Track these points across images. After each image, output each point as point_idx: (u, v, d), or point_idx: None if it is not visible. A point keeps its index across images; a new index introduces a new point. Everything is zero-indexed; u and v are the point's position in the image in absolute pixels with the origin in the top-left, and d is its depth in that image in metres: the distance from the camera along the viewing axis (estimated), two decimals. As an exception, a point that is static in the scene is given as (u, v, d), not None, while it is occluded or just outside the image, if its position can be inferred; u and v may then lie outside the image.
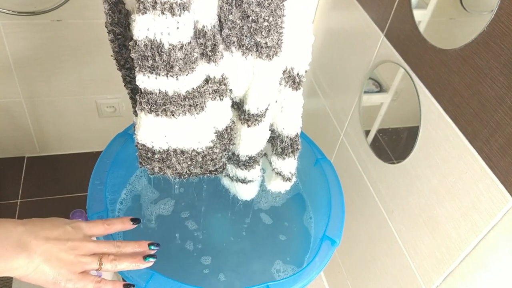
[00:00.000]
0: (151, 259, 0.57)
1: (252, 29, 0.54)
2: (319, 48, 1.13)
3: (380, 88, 0.88)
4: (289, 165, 0.73)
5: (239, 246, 0.90)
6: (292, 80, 0.63)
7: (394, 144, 0.84)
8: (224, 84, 0.59)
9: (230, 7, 0.52)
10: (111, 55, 0.60)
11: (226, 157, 0.71)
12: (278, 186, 0.78)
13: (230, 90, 0.62)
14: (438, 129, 0.70)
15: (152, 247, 0.58)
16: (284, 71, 0.62)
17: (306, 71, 0.63)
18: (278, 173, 0.75)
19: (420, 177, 0.75)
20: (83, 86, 1.26)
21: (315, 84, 1.16)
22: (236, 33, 0.55)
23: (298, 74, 0.62)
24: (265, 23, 0.53)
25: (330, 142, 1.08)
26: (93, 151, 1.48)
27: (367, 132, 0.91)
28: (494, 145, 0.60)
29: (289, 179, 0.75)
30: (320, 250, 0.72)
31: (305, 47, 0.60)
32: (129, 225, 0.60)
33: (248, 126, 0.64)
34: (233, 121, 0.66)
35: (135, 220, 0.61)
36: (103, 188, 0.76)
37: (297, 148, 0.71)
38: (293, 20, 0.56)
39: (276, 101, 0.66)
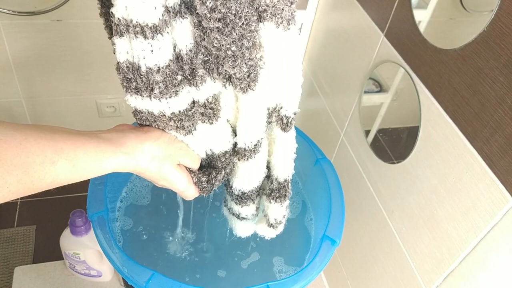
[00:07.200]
0: None
1: (219, 57, 0.51)
2: (319, 48, 1.13)
3: (380, 88, 0.88)
4: (274, 211, 0.66)
5: (240, 246, 0.90)
6: (281, 120, 0.58)
7: (394, 144, 0.84)
8: (211, 109, 0.56)
9: (200, 33, 0.49)
10: (116, 69, 0.59)
11: (220, 181, 0.66)
12: (263, 230, 0.70)
13: (219, 117, 0.58)
14: (438, 129, 0.70)
15: None
16: (272, 109, 0.58)
17: (295, 113, 0.58)
18: (265, 215, 0.68)
19: (420, 177, 0.75)
20: (83, 86, 1.26)
21: (315, 84, 1.16)
22: (213, 61, 0.52)
23: (285, 115, 0.57)
24: (229, 52, 0.49)
25: (330, 142, 1.08)
26: (93, 151, 1.48)
27: (367, 132, 0.91)
28: (494, 145, 0.60)
29: (272, 226, 0.67)
30: (320, 250, 0.72)
31: (292, 88, 0.56)
32: None
33: (239, 159, 0.61)
34: (233, 147, 0.63)
35: None
36: (103, 187, 0.76)
37: (285, 195, 0.63)
38: (278, 58, 0.53)
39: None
